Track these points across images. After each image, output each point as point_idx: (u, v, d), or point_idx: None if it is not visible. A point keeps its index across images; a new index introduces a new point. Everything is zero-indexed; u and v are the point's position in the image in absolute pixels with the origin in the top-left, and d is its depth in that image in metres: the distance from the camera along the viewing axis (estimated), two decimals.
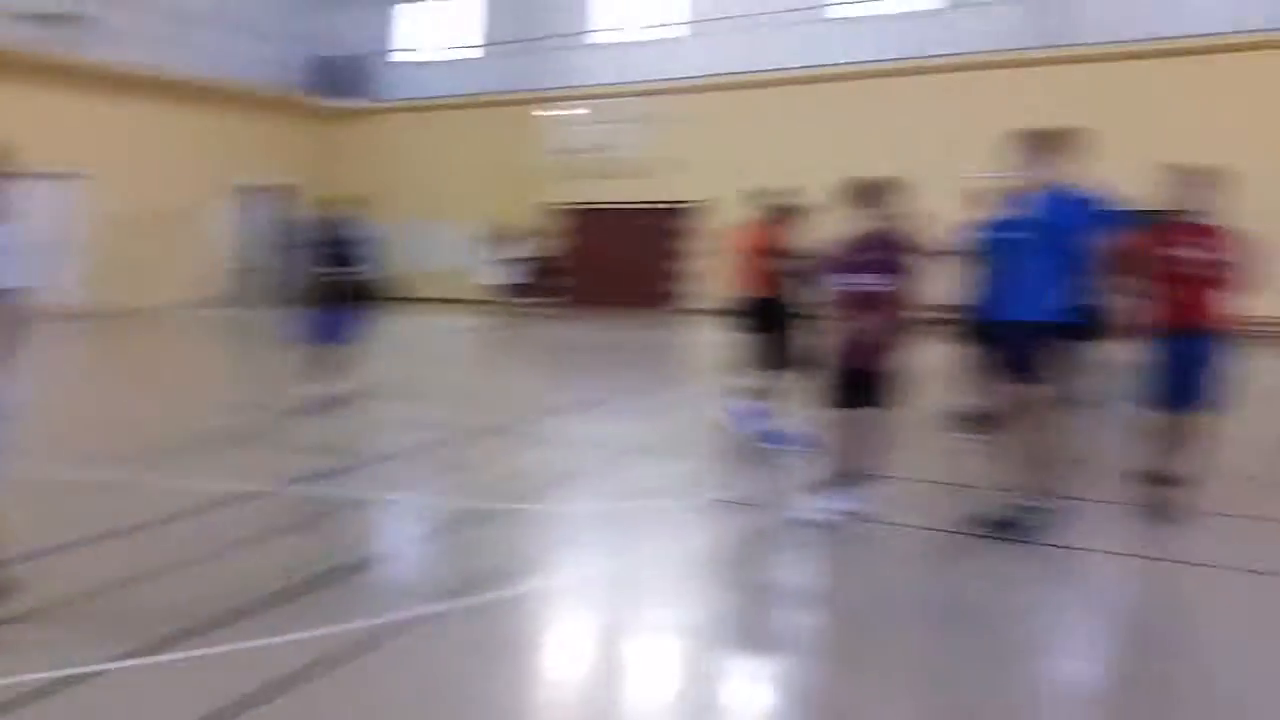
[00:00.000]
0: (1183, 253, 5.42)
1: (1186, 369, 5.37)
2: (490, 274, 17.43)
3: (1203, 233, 5.47)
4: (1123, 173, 16.08)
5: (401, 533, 5.50)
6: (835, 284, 5.46)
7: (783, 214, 7.72)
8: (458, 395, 10.34)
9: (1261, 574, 4.74)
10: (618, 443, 7.72)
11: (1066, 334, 5.32)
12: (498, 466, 6.92)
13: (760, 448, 7.45)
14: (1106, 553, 5.22)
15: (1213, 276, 5.38)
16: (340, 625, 4.02)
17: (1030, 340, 5.15)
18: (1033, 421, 5.19)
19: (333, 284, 8.90)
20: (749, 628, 4.15)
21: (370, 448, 7.51)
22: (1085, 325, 5.79)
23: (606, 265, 22.45)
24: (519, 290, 17.39)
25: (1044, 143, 5.24)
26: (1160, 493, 5.49)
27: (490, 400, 10.43)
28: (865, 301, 5.31)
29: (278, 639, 3.87)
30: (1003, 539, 5.08)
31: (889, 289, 5.27)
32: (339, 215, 9.14)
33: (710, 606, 4.47)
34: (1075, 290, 5.24)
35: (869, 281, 5.30)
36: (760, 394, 8.84)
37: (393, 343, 16.58)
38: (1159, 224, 5.59)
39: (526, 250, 17.42)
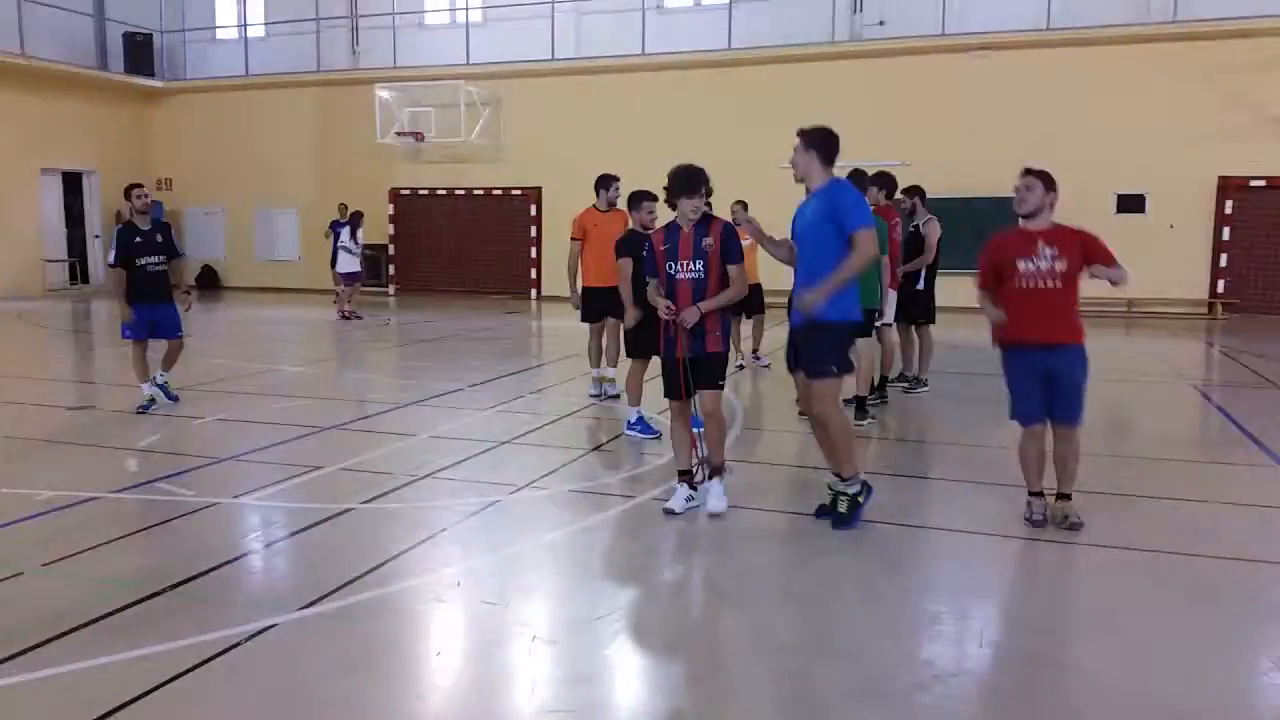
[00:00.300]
0: (1021, 264, 5.16)
1: (1038, 383, 5.19)
2: (341, 260, 16.70)
3: (1040, 239, 5.17)
4: (939, 169, 17.04)
5: (249, 538, 5.23)
6: (661, 272, 5.50)
7: (634, 198, 7.76)
8: (303, 390, 9.92)
9: (1114, 548, 5.13)
10: (470, 435, 7.60)
11: (839, 330, 5.26)
12: (349, 464, 6.68)
13: (625, 435, 7.52)
14: (962, 531, 5.53)
15: (1054, 287, 5.10)
16: (184, 640, 3.79)
17: (806, 336, 5.29)
18: (823, 410, 5.27)
19: (155, 275, 8.42)
20: (609, 623, 4.17)
21: (211, 449, 7.11)
22: (857, 322, 5.53)
23: (451, 251, 22.08)
24: (352, 277, 16.76)
25: (813, 142, 5.28)
26: (1053, 508, 5.33)
27: (336, 394, 10.08)
28: (685, 289, 5.39)
29: (117, 657, 3.64)
30: (832, 523, 5.26)
31: (705, 276, 5.36)
32: (152, 201, 8.66)
33: (569, 603, 4.46)
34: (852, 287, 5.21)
35: (688, 269, 5.38)
36: (611, 381, 9.00)
37: (232, 335, 15.87)
38: (1003, 233, 5.40)
39: (358, 235, 16.76)
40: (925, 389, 9.56)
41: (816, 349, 5.25)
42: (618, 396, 8.79)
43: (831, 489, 5.39)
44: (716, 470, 5.56)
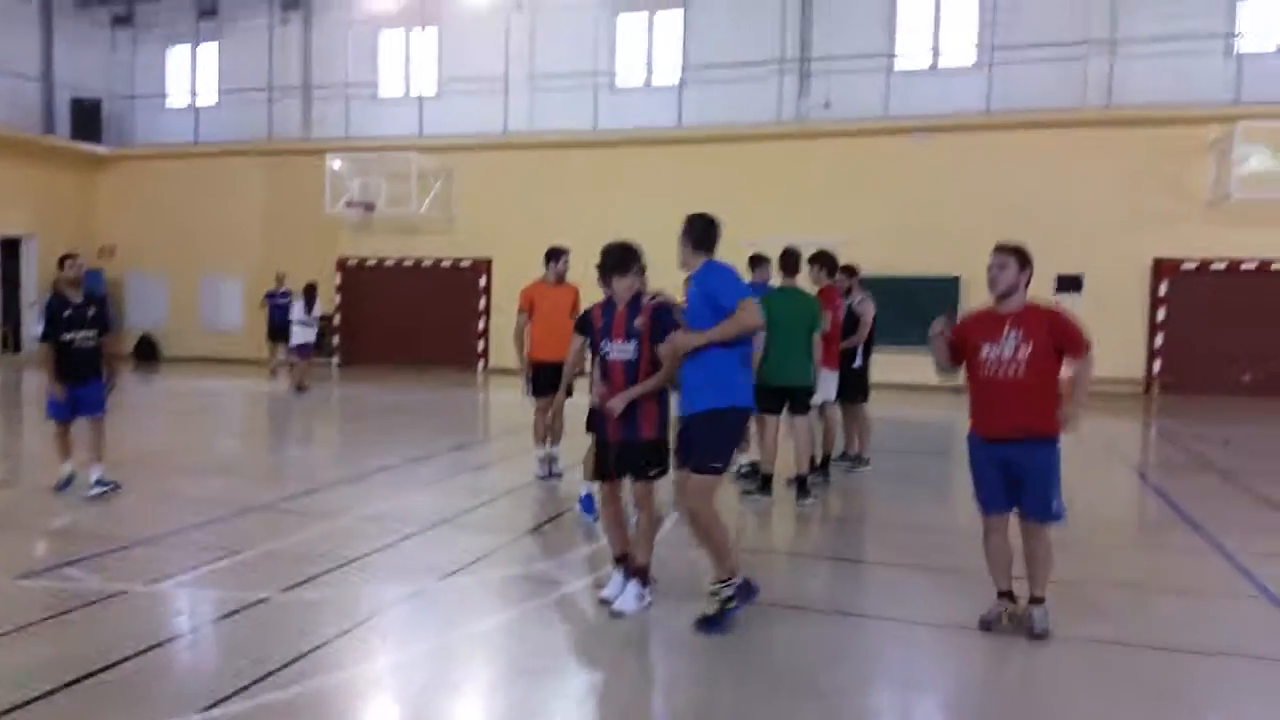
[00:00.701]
0: (984, 350, 4.86)
1: (998, 472, 4.93)
2: (295, 333, 16.32)
3: (1008, 322, 4.84)
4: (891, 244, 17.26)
5: (157, 629, 4.93)
6: (596, 350, 5.35)
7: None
8: (232, 466, 9.61)
9: (1059, 640, 5.03)
10: (404, 515, 7.36)
11: (731, 416, 4.97)
12: (273, 547, 6.41)
13: (576, 515, 7.30)
14: (903, 621, 5.41)
15: (1016, 377, 4.77)
16: None
17: (699, 426, 4.99)
18: (694, 506, 4.97)
19: (85, 351, 7.84)
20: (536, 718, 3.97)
21: (129, 530, 6.78)
22: (747, 408, 5.12)
23: (398, 322, 21.85)
24: (305, 349, 16.42)
25: (687, 230, 5.17)
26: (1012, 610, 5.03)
27: (268, 471, 9.77)
28: (618, 369, 5.20)
29: None
30: (695, 624, 4.92)
31: (637, 358, 5.15)
32: (84, 271, 8.16)
33: (496, 701, 4.25)
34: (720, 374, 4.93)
35: (617, 349, 5.21)
36: (555, 460, 8.77)
37: (167, 408, 15.44)
38: (975, 312, 5.11)
39: (313, 307, 16.46)
40: (867, 467, 9.52)
41: (708, 440, 4.92)
42: (560, 475, 8.60)
43: (709, 589, 5.03)
44: (639, 571, 5.26)
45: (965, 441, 5.14)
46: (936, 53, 19.26)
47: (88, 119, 23.08)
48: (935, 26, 19.23)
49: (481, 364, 21.34)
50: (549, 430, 8.70)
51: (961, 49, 19.05)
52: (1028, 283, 4.90)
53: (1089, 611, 5.43)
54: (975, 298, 17.87)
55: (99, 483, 7.73)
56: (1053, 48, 17.77)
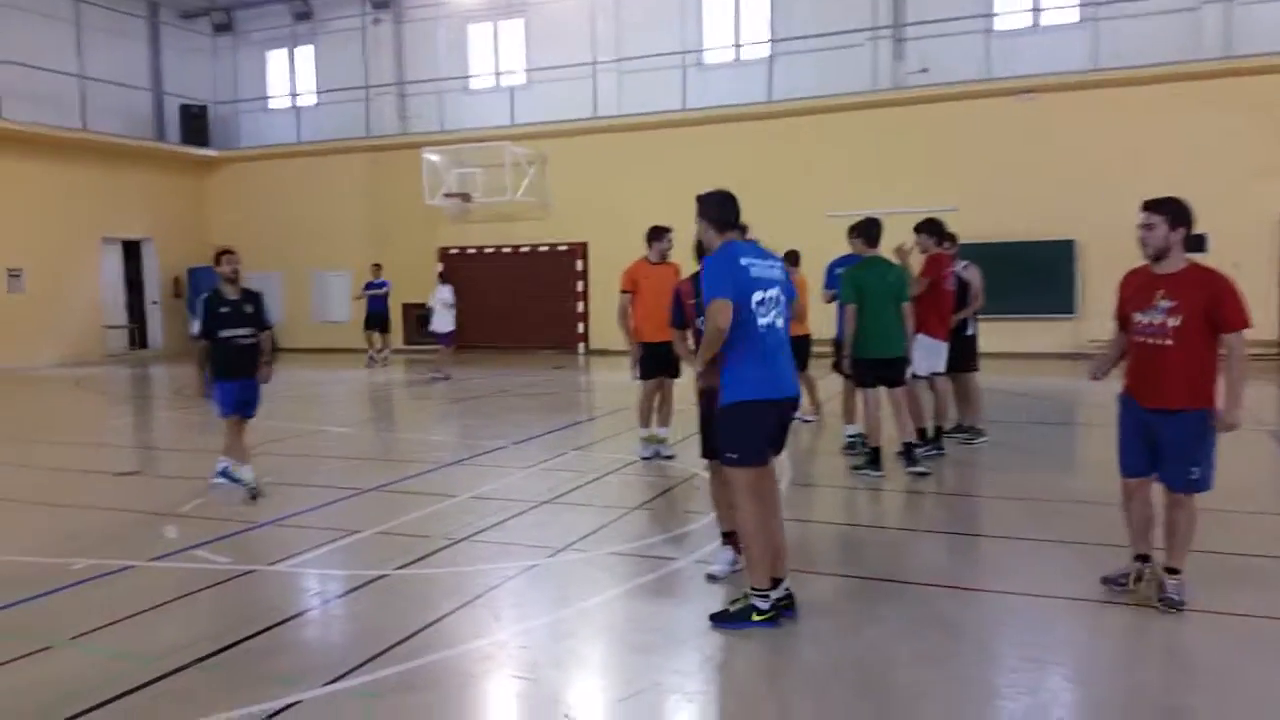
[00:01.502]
0: (1136, 316, 4.62)
1: (1140, 439, 4.70)
2: (440, 319, 16.63)
3: (1162, 287, 4.54)
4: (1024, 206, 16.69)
5: (280, 608, 5.09)
6: (692, 325, 5.24)
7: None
8: (348, 450, 9.88)
9: (1194, 612, 4.78)
10: (511, 494, 7.44)
11: (729, 413, 4.64)
12: (389, 527, 6.55)
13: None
14: (1026, 594, 5.21)
15: (1163, 344, 4.51)
16: (224, 713, 3.66)
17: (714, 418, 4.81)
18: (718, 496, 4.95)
19: (242, 349, 7.56)
20: (645, 699, 3.94)
21: (255, 513, 7.02)
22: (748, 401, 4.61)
23: (499, 308, 22.15)
24: (449, 337, 16.73)
25: (701, 210, 4.88)
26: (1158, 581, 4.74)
27: (381, 454, 10.00)
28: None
29: None
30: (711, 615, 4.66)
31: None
32: (236, 269, 7.60)
33: (605, 677, 4.24)
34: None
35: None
36: (663, 442, 8.70)
37: (284, 396, 15.94)
38: (1131, 273, 4.77)
39: (440, 296, 16.79)
40: (985, 439, 9.20)
41: (720, 433, 4.72)
42: (672, 457, 8.54)
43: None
44: (733, 539, 5.23)
45: (1084, 411, 4.92)
46: (1038, 10, 18.47)
47: (196, 124, 24.04)
48: None
49: (582, 346, 21.49)
50: (656, 412, 8.67)
51: (1064, 5, 18.21)
52: (1185, 242, 4.49)
53: (1233, 582, 5.12)
54: (1090, 261, 17.18)
55: (224, 474, 7.79)
56: None
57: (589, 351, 21.31)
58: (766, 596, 4.55)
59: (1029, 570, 5.47)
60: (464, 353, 21.78)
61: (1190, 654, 4.36)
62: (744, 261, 4.59)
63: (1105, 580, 4.90)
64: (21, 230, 20.05)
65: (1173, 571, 4.68)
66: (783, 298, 4.70)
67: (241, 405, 7.70)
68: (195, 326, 7.56)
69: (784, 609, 4.61)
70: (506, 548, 6.05)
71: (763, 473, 4.71)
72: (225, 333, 7.47)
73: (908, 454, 7.82)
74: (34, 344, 20.23)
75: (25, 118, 19.79)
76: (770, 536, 4.64)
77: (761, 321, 4.57)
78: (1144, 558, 4.81)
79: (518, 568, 5.60)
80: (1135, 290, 4.68)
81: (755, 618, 4.53)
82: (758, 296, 4.55)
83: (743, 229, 5.02)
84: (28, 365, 19.76)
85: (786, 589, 4.65)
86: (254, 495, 7.43)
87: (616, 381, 15.22)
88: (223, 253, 7.60)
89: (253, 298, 7.74)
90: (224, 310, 7.51)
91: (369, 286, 18.98)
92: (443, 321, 16.65)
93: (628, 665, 4.25)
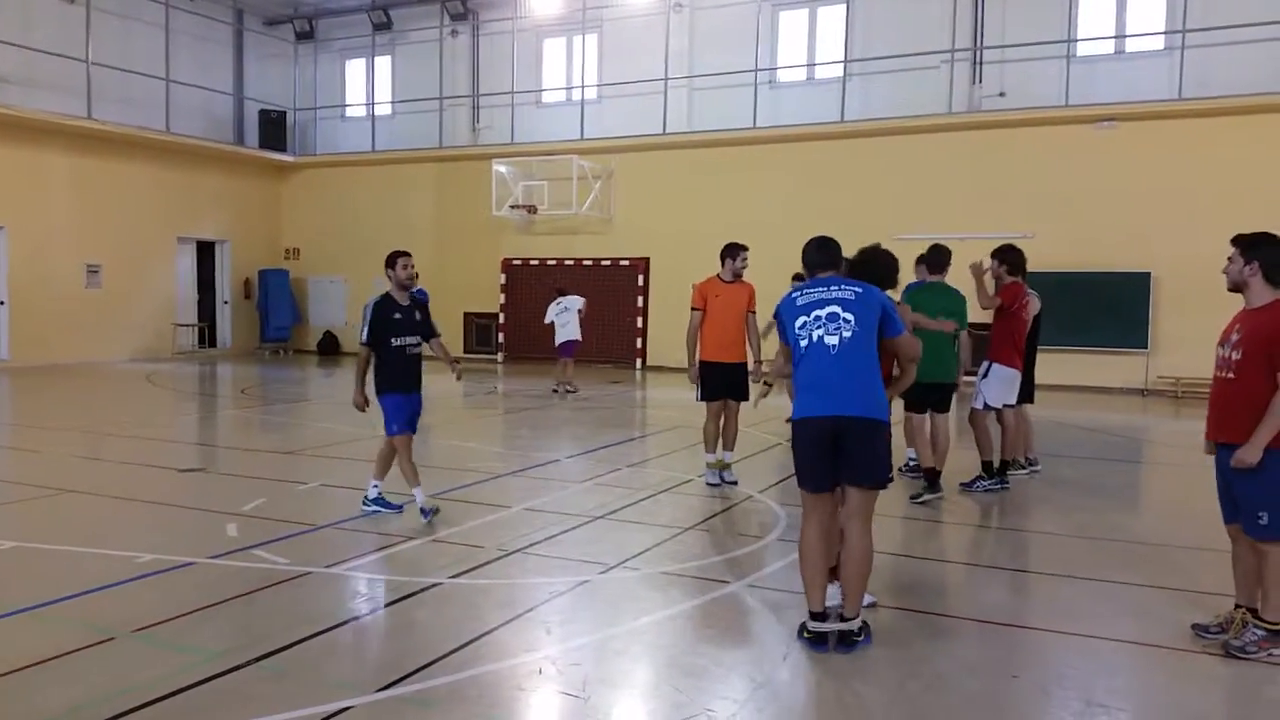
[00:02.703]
0: (1218, 349, 4.54)
1: (1222, 482, 4.59)
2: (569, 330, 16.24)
3: (1237, 321, 4.52)
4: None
5: (335, 611, 5.13)
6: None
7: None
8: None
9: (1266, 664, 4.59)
10: (564, 508, 7.44)
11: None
12: (443, 534, 6.59)
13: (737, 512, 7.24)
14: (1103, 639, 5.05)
15: (1226, 377, 4.46)
16: (280, 714, 3.70)
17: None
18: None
19: (414, 358, 7.09)
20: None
21: (314, 515, 7.10)
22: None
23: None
24: (569, 347, 16.25)
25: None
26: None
27: (438, 461, 10.07)
28: None
29: None
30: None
31: None
32: (413, 273, 7.16)
33: (653, 699, 4.19)
34: None
35: None
36: (728, 468, 8.52)
37: (345, 400, 16.20)
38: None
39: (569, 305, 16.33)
40: (1039, 469, 9.03)
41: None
42: (735, 483, 8.38)
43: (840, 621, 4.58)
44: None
45: (1155, 449, 4.80)
46: (1122, 37, 18.08)
47: (274, 129, 24.62)
48: (1120, 10, 18.06)
49: (639, 361, 21.49)
50: (720, 435, 8.44)
51: (1149, 33, 17.79)
52: (1267, 275, 4.41)
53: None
54: (1165, 295, 16.71)
55: (377, 501, 7.16)
56: (1254, 28, 16.33)
57: (646, 367, 21.30)
58: (813, 623, 4.58)
59: (1094, 611, 5.29)
60: (519, 364, 21.93)
61: (1249, 706, 4.17)
62: (793, 297, 4.85)
63: (1195, 627, 4.72)
64: (102, 228, 20.69)
65: (1257, 616, 4.49)
66: (845, 313, 4.62)
67: (414, 420, 7.11)
68: (363, 333, 6.92)
69: (840, 642, 4.54)
70: (559, 562, 6.03)
71: (817, 500, 4.65)
72: (398, 341, 6.92)
73: (931, 479, 7.79)
74: (108, 339, 20.82)
75: (114, 119, 20.44)
76: (815, 564, 4.63)
77: (803, 342, 4.68)
78: (1242, 607, 4.61)
79: (569, 583, 5.59)
80: (1228, 325, 4.61)
81: (805, 635, 4.60)
82: (800, 320, 4.70)
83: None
84: (101, 359, 20.36)
85: (847, 629, 4.55)
86: (432, 512, 6.91)
87: (672, 399, 15.19)
88: (398, 255, 7.04)
89: (420, 305, 7.23)
90: (396, 317, 6.92)
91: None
92: (568, 332, 16.15)
93: (679, 688, 4.19)
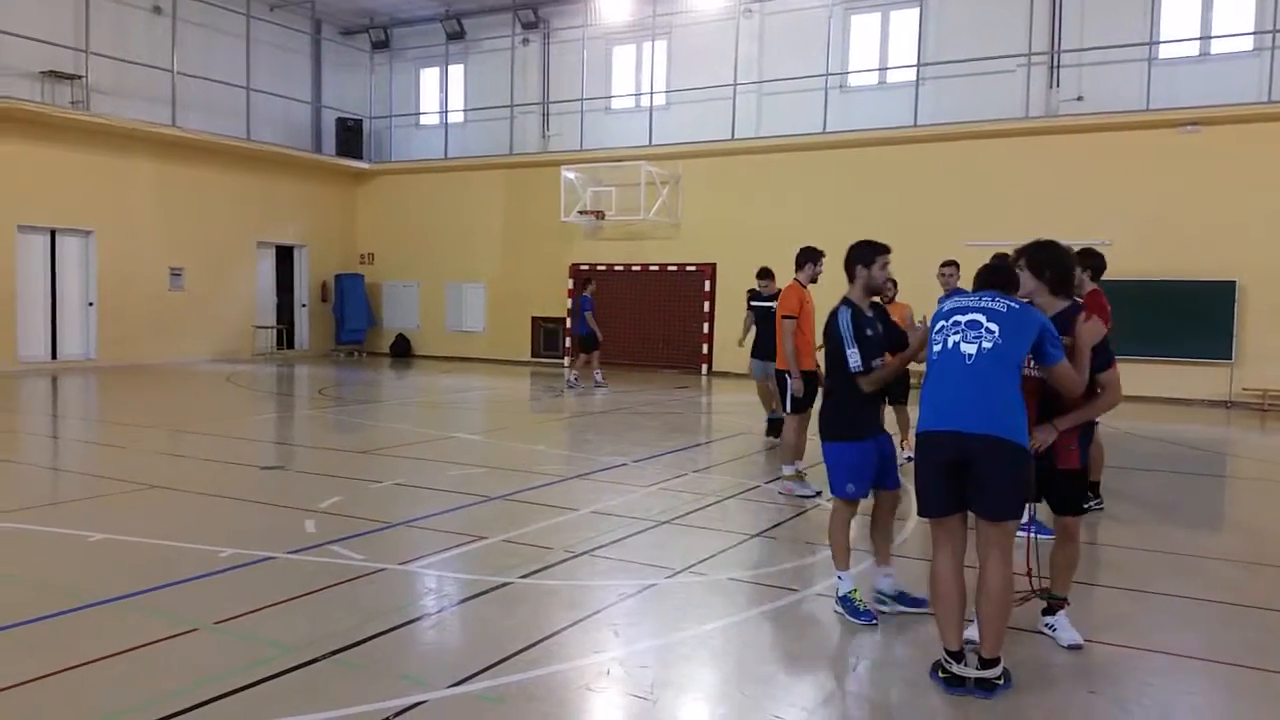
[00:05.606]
0: None
1: None
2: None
3: None
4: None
5: (409, 607, 5.24)
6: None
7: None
8: (477, 458, 10.12)
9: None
10: (631, 512, 7.47)
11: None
12: (513, 535, 6.67)
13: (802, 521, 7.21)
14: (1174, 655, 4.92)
15: None
16: (333, 711, 3.78)
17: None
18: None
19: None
20: None
21: (389, 513, 7.27)
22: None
23: (625, 325, 22.34)
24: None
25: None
26: None
27: (508, 463, 10.22)
28: None
29: None
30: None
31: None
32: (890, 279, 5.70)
33: (722, 705, 4.19)
34: None
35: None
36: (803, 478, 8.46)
37: (419, 401, 16.60)
38: None
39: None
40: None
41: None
42: (819, 494, 8.13)
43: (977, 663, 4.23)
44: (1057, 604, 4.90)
45: (1239, 463, 4.65)
46: (1208, 38, 17.54)
47: (351, 137, 25.18)
48: (1205, 10, 17.54)
49: (705, 367, 21.47)
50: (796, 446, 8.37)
51: (1236, 34, 17.22)
52: None
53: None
54: (1251, 305, 16.16)
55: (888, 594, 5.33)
56: None
57: (711, 373, 21.27)
58: (949, 663, 4.22)
59: (1168, 627, 5.15)
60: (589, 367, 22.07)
61: None
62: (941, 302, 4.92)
63: None
64: (186, 232, 21.39)
65: None
66: (990, 323, 4.21)
67: (886, 472, 5.32)
68: (854, 359, 5.15)
69: (978, 686, 4.15)
70: (625, 565, 6.07)
71: (945, 528, 4.34)
72: (876, 363, 5.26)
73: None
74: (190, 340, 21.52)
75: (197, 126, 21.13)
76: (949, 599, 4.26)
77: (935, 348, 4.37)
78: None
79: (636, 586, 5.62)
80: None
81: (941, 674, 4.24)
82: (939, 325, 4.41)
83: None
84: (183, 360, 21.05)
85: (986, 676, 4.17)
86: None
87: (738, 403, 15.13)
88: (877, 252, 5.36)
89: (883, 317, 5.51)
90: (869, 334, 5.25)
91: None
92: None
93: (747, 695, 4.19)
